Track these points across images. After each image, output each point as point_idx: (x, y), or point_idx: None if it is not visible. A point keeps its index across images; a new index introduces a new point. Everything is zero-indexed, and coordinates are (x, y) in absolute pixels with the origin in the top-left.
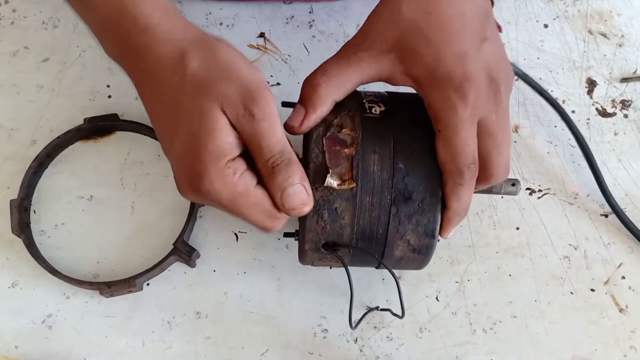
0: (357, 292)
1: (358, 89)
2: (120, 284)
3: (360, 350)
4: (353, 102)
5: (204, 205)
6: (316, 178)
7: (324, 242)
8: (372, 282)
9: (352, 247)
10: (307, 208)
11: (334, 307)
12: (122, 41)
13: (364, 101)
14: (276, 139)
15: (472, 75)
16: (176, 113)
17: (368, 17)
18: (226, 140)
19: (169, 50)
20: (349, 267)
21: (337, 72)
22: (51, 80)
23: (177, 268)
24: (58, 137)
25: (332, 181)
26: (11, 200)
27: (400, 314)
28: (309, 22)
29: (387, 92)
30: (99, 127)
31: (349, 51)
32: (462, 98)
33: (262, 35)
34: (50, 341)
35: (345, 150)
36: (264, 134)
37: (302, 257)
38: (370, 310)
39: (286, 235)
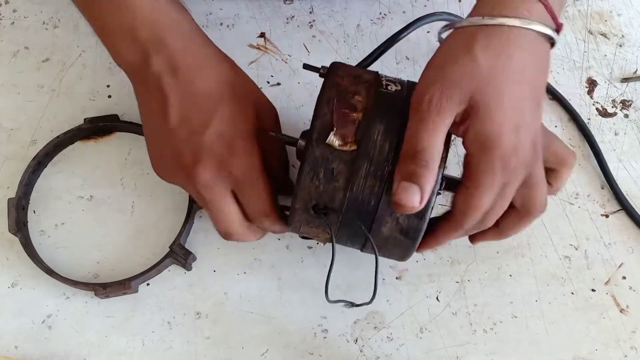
0: (357, 292)
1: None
2: (115, 285)
3: (361, 351)
4: (371, 77)
5: (201, 208)
6: (320, 135)
7: (314, 203)
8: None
9: (341, 214)
10: None
11: (334, 307)
12: (158, 39)
13: (382, 79)
14: None
15: (520, 150)
16: (218, 100)
17: (436, 65)
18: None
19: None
20: (336, 243)
21: (432, 143)
22: (51, 80)
23: (177, 268)
24: (58, 137)
25: (334, 139)
26: (9, 199)
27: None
28: (309, 22)
29: (407, 80)
30: (99, 127)
31: (429, 112)
32: (503, 170)
33: (262, 35)
34: (50, 341)
35: (354, 114)
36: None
37: (292, 216)
38: (346, 302)
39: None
